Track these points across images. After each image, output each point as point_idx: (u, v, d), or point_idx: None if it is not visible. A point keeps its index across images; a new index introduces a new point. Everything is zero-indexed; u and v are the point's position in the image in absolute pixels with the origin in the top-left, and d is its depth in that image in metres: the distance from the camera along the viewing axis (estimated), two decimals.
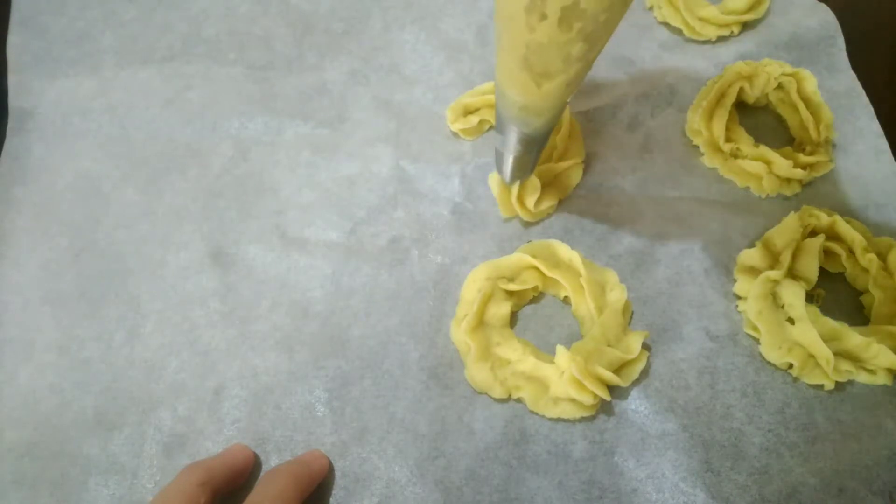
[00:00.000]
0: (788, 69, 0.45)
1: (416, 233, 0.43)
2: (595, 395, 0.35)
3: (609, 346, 0.37)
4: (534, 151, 0.37)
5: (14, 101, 0.47)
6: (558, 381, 0.36)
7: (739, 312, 0.39)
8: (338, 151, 0.46)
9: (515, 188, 0.41)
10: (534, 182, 0.41)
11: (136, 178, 0.45)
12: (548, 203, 0.43)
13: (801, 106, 0.44)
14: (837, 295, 0.40)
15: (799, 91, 0.45)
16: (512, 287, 0.39)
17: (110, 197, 0.44)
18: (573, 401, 0.36)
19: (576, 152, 0.44)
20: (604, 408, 0.37)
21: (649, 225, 0.42)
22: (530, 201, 0.41)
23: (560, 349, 0.36)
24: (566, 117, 0.44)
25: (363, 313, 0.40)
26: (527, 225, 0.43)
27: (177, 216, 0.44)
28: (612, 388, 0.37)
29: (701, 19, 0.49)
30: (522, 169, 0.39)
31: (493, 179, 0.43)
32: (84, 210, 0.44)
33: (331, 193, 0.44)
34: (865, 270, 0.40)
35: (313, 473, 0.35)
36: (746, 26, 0.50)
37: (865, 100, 0.46)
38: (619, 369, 0.37)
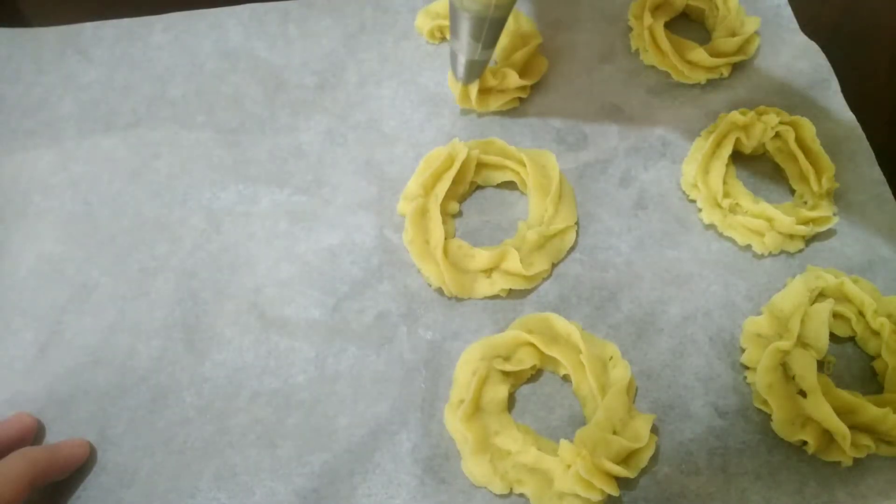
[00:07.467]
0: (786, 117, 0.43)
1: (404, 307, 0.40)
2: (603, 492, 0.33)
3: (615, 431, 0.35)
4: (488, 47, 0.41)
5: None
6: (563, 475, 0.34)
7: (748, 384, 0.37)
8: (317, 220, 0.43)
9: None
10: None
11: (101, 259, 0.42)
12: (541, 268, 0.40)
13: (801, 156, 0.42)
14: (848, 360, 0.38)
15: (797, 140, 0.43)
16: (508, 367, 0.37)
17: (74, 281, 0.42)
18: (579, 496, 0.33)
19: (567, 215, 0.42)
20: (611, 500, 0.35)
21: (648, 290, 0.40)
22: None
23: (564, 443, 0.34)
24: (556, 178, 0.42)
25: (350, 400, 0.38)
26: (522, 294, 0.40)
27: (147, 299, 0.41)
28: (619, 478, 0.34)
29: (689, 62, 0.47)
30: (476, 69, 0.43)
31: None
32: (47, 298, 0.41)
33: (311, 267, 0.42)
34: (876, 334, 0.38)
35: (56, 460, 0.35)
36: (736, 68, 0.48)
37: (866, 144, 0.44)
38: (626, 458, 0.34)
